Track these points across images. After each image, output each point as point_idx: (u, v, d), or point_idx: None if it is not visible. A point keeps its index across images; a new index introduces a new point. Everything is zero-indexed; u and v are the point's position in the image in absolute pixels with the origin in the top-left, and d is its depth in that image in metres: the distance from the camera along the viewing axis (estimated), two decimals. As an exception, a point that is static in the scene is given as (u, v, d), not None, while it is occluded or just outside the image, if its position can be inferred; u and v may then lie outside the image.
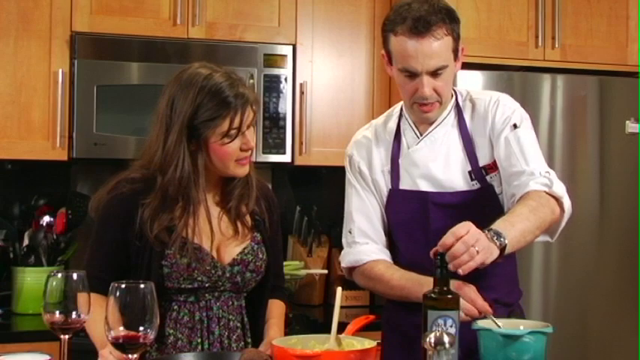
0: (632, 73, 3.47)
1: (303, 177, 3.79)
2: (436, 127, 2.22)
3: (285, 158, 3.41)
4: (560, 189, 2.09)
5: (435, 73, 2.12)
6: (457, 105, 2.25)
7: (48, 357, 1.65)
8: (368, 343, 1.73)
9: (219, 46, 3.33)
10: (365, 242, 2.25)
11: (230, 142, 1.99)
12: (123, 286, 1.57)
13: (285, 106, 3.39)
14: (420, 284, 2.03)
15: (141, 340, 1.56)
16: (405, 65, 2.12)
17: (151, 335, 1.57)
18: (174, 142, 1.98)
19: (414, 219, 2.21)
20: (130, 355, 1.58)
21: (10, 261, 3.21)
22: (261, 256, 2.11)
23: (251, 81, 3.30)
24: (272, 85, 3.38)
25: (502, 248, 1.90)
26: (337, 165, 3.53)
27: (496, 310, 2.05)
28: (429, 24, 2.08)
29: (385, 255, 2.25)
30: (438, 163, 2.20)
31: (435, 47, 2.09)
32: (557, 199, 2.08)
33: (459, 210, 2.11)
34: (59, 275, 1.64)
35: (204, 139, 1.99)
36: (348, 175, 2.33)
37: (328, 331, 1.80)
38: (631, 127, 3.35)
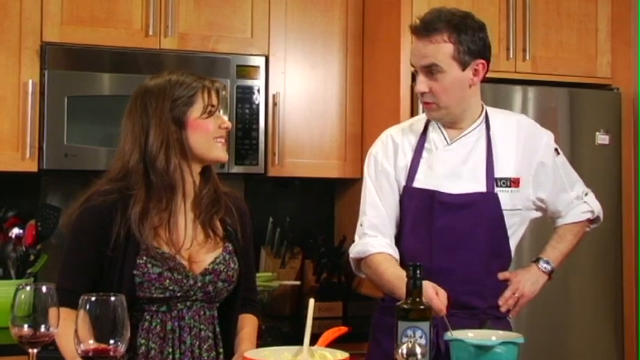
0: (602, 85, 3.51)
1: (275, 188, 3.78)
2: (468, 133, 2.34)
3: (258, 169, 3.40)
4: (598, 209, 2.49)
5: (429, 72, 2.26)
6: (487, 118, 2.37)
7: (16, 371, 1.63)
8: (340, 354, 1.73)
9: (191, 57, 3.32)
10: (374, 235, 2.35)
11: (209, 117, 2.09)
12: (93, 298, 1.55)
13: (258, 118, 3.39)
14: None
15: (111, 354, 1.55)
16: (410, 60, 2.34)
17: (122, 348, 1.56)
18: (159, 130, 2.03)
19: (420, 216, 2.30)
20: (99, 369, 1.57)
21: (-22, 274, 3.17)
22: (232, 265, 2.12)
23: (223, 92, 3.28)
24: (245, 96, 3.37)
25: (549, 273, 2.40)
26: (310, 176, 3.56)
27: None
28: (430, 29, 2.25)
29: (392, 249, 2.33)
30: (466, 167, 2.31)
31: (429, 49, 2.25)
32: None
33: (463, 211, 2.25)
34: (28, 288, 1.61)
35: (184, 121, 2.06)
36: (368, 172, 2.42)
37: (301, 342, 1.79)
38: (601, 138, 3.39)
